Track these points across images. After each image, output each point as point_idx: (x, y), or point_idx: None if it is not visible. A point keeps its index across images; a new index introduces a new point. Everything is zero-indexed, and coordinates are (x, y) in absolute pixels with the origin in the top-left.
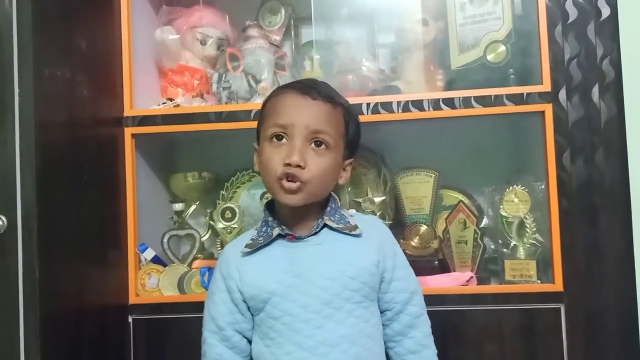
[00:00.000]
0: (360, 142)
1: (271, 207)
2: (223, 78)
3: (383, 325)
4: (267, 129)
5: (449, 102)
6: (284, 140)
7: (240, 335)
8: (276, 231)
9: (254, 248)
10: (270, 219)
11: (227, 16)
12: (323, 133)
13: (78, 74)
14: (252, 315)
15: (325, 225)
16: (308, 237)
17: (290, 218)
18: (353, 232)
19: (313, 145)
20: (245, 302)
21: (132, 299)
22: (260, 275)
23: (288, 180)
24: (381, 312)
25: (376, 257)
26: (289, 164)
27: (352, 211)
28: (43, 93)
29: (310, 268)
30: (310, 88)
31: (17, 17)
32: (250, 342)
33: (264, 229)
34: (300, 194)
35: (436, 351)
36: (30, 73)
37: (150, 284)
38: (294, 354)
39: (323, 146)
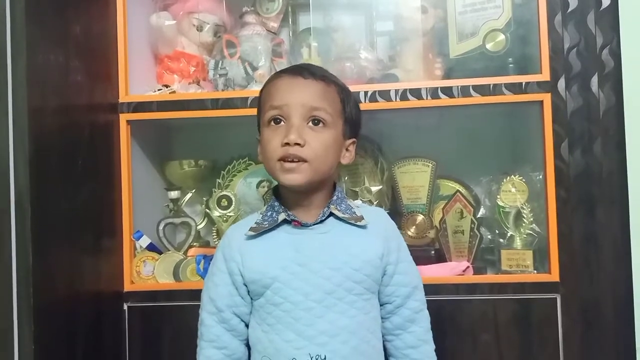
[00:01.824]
0: (361, 123)
1: (277, 194)
2: (219, 65)
3: (383, 318)
4: (264, 114)
5: (447, 91)
6: (282, 123)
7: (239, 319)
8: (282, 216)
9: (258, 232)
10: (276, 203)
11: (224, 2)
12: (319, 110)
13: (72, 60)
14: (251, 299)
15: (331, 214)
16: (314, 224)
17: (295, 204)
18: (359, 223)
19: (311, 123)
20: (246, 285)
21: (127, 287)
22: (263, 260)
23: (287, 161)
24: (381, 305)
25: (381, 249)
26: (287, 144)
27: (359, 202)
28: (37, 79)
29: (315, 257)
30: (302, 69)
31: (11, 1)
32: (247, 325)
33: (269, 213)
34: (302, 173)
35: (434, 347)
36: (23, 59)
37: (146, 271)
38: (292, 342)
39: (321, 124)
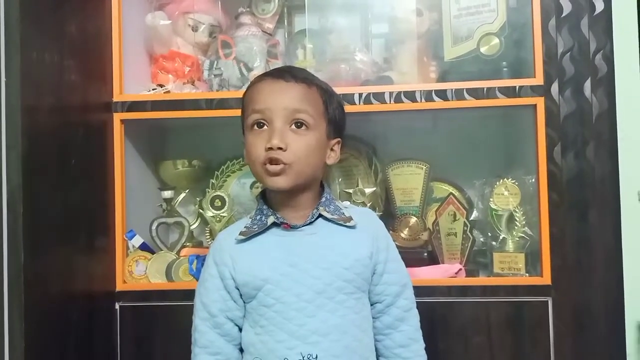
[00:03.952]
0: (346, 123)
1: (265, 197)
2: (214, 65)
3: (373, 318)
4: (247, 118)
5: (442, 94)
6: (265, 127)
7: (232, 323)
8: (271, 219)
9: (248, 236)
10: (264, 207)
11: (220, 2)
12: (301, 112)
13: (67, 58)
14: (244, 302)
15: (320, 215)
16: (303, 226)
17: (284, 207)
18: (347, 224)
19: (293, 127)
20: (238, 289)
21: (120, 286)
22: (254, 263)
23: (272, 164)
24: (371, 305)
25: (370, 249)
26: (270, 148)
27: (347, 203)
28: (30, 77)
29: (305, 257)
30: (283, 72)
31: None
32: (241, 330)
33: (258, 217)
34: (286, 176)
35: (424, 345)
36: (17, 57)
37: (138, 271)
38: (285, 342)
39: (303, 127)
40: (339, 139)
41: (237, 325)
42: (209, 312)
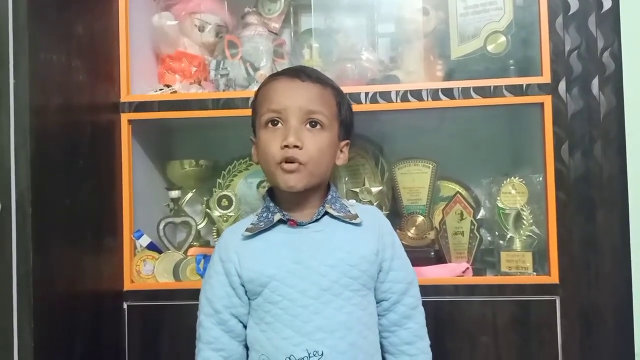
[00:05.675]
0: (354, 125)
1: (272, 195)
2: (221, 65)
3: (379, 315)
4: (261, 116)
5: (448, 93)
6: (279, 125)
7: (236, 320)
8: (277, 216)
9: (254, 232)
10: (271, 204)
11: (226, 3)
12: (316, 113)
13: (74, 59)
14: (248, 299)
15: (326, 213)
16: (309, 223)
17: (290, 205)
18: (353, 221)
19: (308, 126)
20: (243, 285)
21: (127, 286)
22: (260, 259)
23: (287, 162)
24: (377, 302)
25: (375, 246)
26: (286, 146)
27: (352, 201)
28: (38, 78)
29: (311, 254)
30: (298, 72)
31: (13, 0)
32: (245, 327)
33: (264, 214)
34: (300, 176)
35: (429, 342)
36: (25, 58)
37: (146, 270)
38: (291, 339)
39: (318, 126)
40: (348, 141)
41: (241, 322)
42: (214, 308)
